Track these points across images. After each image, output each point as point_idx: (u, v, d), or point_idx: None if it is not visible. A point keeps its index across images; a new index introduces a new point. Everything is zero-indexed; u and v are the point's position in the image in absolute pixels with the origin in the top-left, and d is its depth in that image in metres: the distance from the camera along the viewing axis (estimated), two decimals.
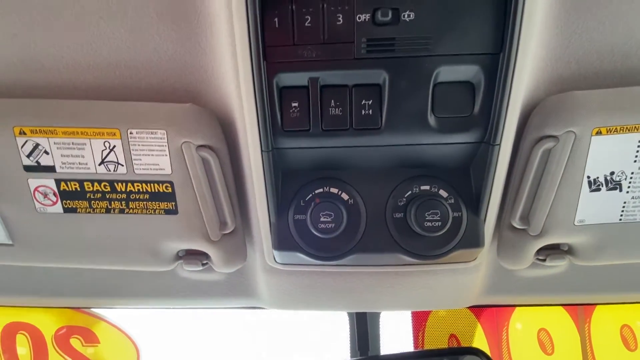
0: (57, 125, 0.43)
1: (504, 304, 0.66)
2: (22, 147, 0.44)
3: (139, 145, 0.43)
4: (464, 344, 1.38)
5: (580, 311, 1.36)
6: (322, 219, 0.43)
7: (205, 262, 0.53)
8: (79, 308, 1.44)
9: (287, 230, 0.46)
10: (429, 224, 0.43)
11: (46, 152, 0.44)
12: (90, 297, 0.65)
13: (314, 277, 0.55)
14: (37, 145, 0.44)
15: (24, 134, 0.43)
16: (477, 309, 1.38)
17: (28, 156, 0.44)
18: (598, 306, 1.36)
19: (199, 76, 0.43)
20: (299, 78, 0.39)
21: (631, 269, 0.56)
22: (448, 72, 0.38)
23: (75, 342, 1.43)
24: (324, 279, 0.55)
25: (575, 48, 0.40)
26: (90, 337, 1.43)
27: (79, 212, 0.47)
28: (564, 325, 1.37)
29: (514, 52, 0.36)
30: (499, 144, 0.41)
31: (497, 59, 0.37)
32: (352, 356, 1.01)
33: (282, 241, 0.46)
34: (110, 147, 0.44)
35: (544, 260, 0.50)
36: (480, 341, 1.40)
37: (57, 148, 0.44)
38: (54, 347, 1.42)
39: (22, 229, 0.49)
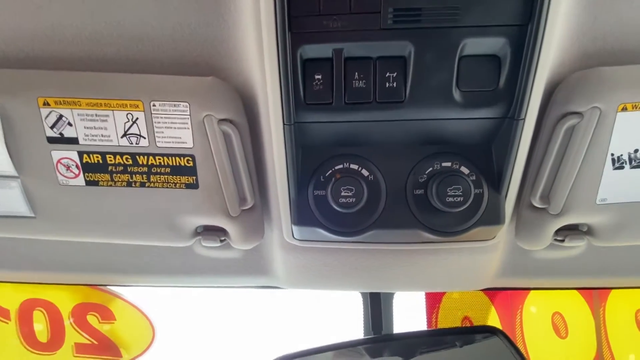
0: (81, 97, 0.43)
1: (519, 286, 0.65)
2: (45, 118, 0.43)
3: (161, 117, 0.43)
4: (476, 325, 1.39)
5: (595, 295, 1.37)
6: (342, 194, 0.43)
7: (223, 238, 0.53)
8: (95, 285, 1.45)
9: (307, 206, 0.46)
10: (450, 199, 0.42)
11: (69, 124, 0.44)
12: (107, 274, 0.65)
13: (331, 254, 0.54)
14: (60, 117, 0.43)
15: (48, 104, 0.43)
16: (492, 292, 1.38)
17: (52, 127, 0.44)
18: (613, 290, 1.36)
19: (222, 50, 0.43)
20: (323, 50, 0.38)
21: None
22: (474, 45, 0.38)
23: (92, 319, 1.44)
24: (341, 257, 0.55)
25: (602, 23, 0.39)
26: (106, 314, 1.44)
27: (100, 185, 0.47)
28: (579, 309, 1.37)
29: (543, 23, 0.35)
30: (523, 119, 0.40)
31: (524, 31, 0.36)
32: (365, 335, 1.01)
33: (302, 216, 0.46)
34: (133, 120, 0.43)
35: (563, 240, 0.50)
36: (494, 324, 1.40)
37: (81, 120, 0.44)
38: (70, 323, 1.44)
39: (44, 202, 0.49)
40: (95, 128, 0.44)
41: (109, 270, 0.64)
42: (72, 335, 1.43)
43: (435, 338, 0.86)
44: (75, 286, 1.44)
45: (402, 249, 0.52)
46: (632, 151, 0.42)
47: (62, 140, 0.45)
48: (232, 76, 0.44)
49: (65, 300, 1.44)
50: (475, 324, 1.39)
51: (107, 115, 0.43)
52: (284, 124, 0.42)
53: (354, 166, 0.45)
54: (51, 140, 0.45)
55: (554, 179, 0.45)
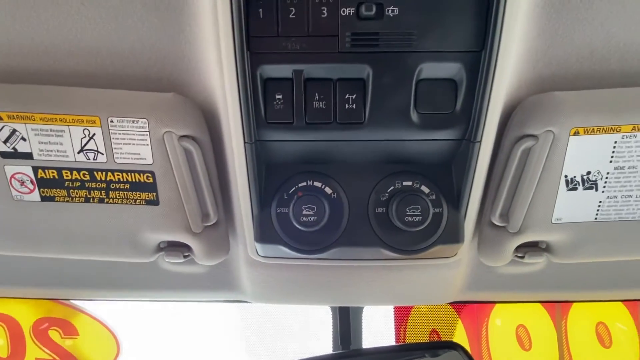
0: (35, 111, 0.42)
1: (484, 300, 0.67)
2: None
3: (119, 133, 0.42)
4: (444, 339, 1.41)
5: (558, 308, 1.40)
6: (304, 212, 0.43)
7: (187, 254, 0.52)
8: (58, 299, 1.41)
9: (269, 223, 0.46)
10: (409, 219, 0.43)
11: (23, 139, 0.42)
12: (70, 288, 0.63)
13: (297, 270, 0.55)
14: (14, 131, 0.42)
15: (0, 119, 0.42)
16: (458, 305, 1.40)
17: (5, 142, 0.43)
18: (575, 304, 1.39)
19: (183, 66, 0.42)
20: (283, 70, 0.39)
21: (607, 267, 0.57)
22: (431, 69, 0.38)
23: (54, 334, 1.40)
24: (307, 273, 0.55)
25: (556, 49, 0.41)
26: (69, 329, 1.41)
27: (57, 200, 0.46)
28: (542, 321, 1.40)
29: (495, 51, 0.36)
30: (480, 142, 0.41)
31: (479, 57, 0.37)
32: (334, 349, 1.02)
33: (265, 234, 0.46)
34: (90, 135, 0.42)
35: (523, 257, 0.51)
36: (460, 336, 1.42)
37: (35, 134, 0.42)
38: (32, 338, 1.40)
39: None
40: (50, 143, 0.43)
41: (72, 285, 0.63)
42: (33, 351, 1.39)
43: (400, 353, 0.87)
44: (37, 300, 1.40)
45: (366, 265, 0.52)
46: (584, 173, 0.43)
47: (15, 155, 0.43)
48: (194, 92, 0.44)
49: (26, 315, 1.40)
50: (443, 336, 1.41)
51: (62, 131, 0.42)
52: (244, 142, 0.42)
53: (317, 183, 0.45)
54: (4, 155, 0.43)
55: (512, 198, 0.45)
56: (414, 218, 0.43)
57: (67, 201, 0.46)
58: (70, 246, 0.50)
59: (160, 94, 0.42)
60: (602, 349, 1.39)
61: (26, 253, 0.52)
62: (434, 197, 0.45)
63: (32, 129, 0.42)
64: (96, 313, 1.42)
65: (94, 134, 0.42)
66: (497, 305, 1.41)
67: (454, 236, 0.45)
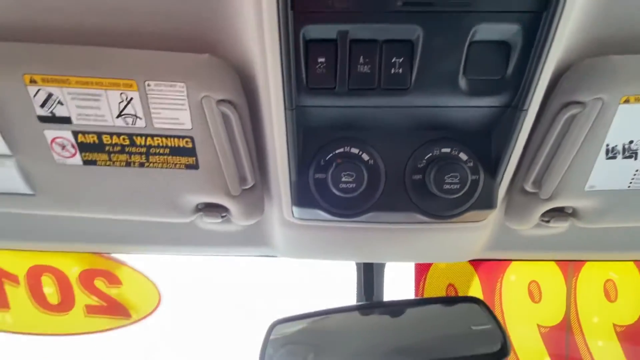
0: (70, 74, 0.40)
1: (503, 258, 0.70)
2: (34, 96, 0.41)
3: (157, 98, 0.41)
4: (460, 293, 1.51)
5: (571, 266, 1.48)
6: (342, 179, 0.43)
7: (224, 214, 0.54)
8: (99, 253, 1.50)
9: (307, 188, 0.46)
10: (447, 186, 0.43)
11: (60, 103, 0.42)
12: (111, 243, 0.67)
13: (328, 230, 0.56)
14: (50, 95, 0.41)
15: (35, 82, 0.40)
16: (476, 262, 1.49)
17: (42, 106, 0.42)
18: (587, 263, 1.47)
19: (218, 24, 0.40)
20: (327, 31, 0.36)
21: (624, 230, 0.58)
22: (485, 31, 0.36)
23: (99, 284, 1.51)
24: (337, 233, 0.57)
25: (616, 10, 0.38)
26: (113, 279, 1.51)
27: (99, 164, 0.47)
28: (554, 278, 1.49)
29: (559, 11, 0.33)
30: (527, 110, 0.39)
31: (539, 18, 0.34)
32: (358, 301, 1.08)
33: (302, 198, 0.47)
34: (128, 100, 0.41)
35: (548, 221, 0.52)
36: (476, 290, 1.52)
37: (72, 99, 0.41)
38: (79, 287, 1.51)
39: (43, 180, 0.49)
40: (88, 107, 0.42)
41: (113, 240, 0.66)
42: (82, 298, 1.51)
43: (422, 305, 0.93)
44: (81, 253, 1.49)
45: (396, 227, 0.55)
46: (627, 142, 0.43)
47: (54, 119, 0.43)
48: (230, 54, 0.42)
49: (71, 267, 1.50)
50: (459, 290, 1.51)
51: (99, 95, 0.41)
52: (285, 109, 0.40)
53: (354, 150, 0.45)
54: (43, 119, 0.43)
55: (548, 165, 0.46)
56: (451, 185, 0.43)
57: (109, 165, 0.47)
58: (112, 208, 0.52)
59: (196, 55, 0.40)
60: (607, 303, 1.50)
61: (71, 213, 0.54)
62: (471, 164, 0.44)
63: (69, 93, 0.41)
64: (137, 265, 1.52)
65: (132, 99, 0.41)
66: (513, 262, 1.49)
67: (487, 202, 0.46)
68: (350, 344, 0.83)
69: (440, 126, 0.45)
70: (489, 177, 0.45)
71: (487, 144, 0.45)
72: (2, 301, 1.48)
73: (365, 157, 0.45)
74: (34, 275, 1.49)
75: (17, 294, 1.49)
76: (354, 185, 0.44)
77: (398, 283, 1.57)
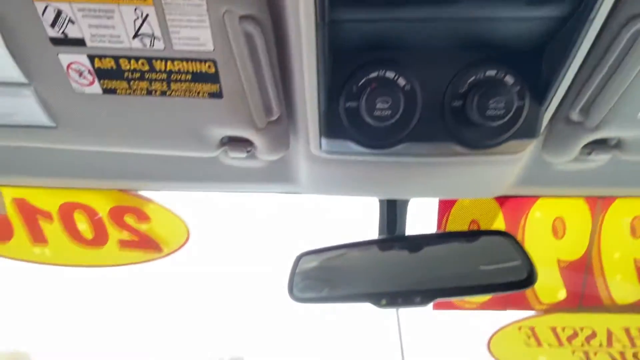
0: None
1: (534, 194, 0.68)
2: (42, 14, 0.38)
3: (174, 14, 0.38)
4: (483, 229, 1.52)
5: (600, 203, 1.46)
6: (377, 106, 0.40)
7: (249, 149, 0.53)
8: (127, 190, 1.53)
9: (337, 118, 0.44)
10: (490, 112, 0.40)
11: (71, 21, 0.39)
12: (138, 180, 0.68)
13: (355, 165, 0.54)
14: (59, 12, 0.38)
15: None
16: (502, 199, 1.47)
17: (52, 26, 0.39)
18: (618, 199, 1.44)
19: None
20: None
21: None
22: None
23: (129, 220, 1.57)
24: (364, 167, 0.55)
25: None
26: (142, 216, 1.56)
27: (119, 93, 0.45)
28: (580, 214, 1.48)
29: None
30: (592, 20, 0.35)
31: None
32: (379, 235, 1.09)
33: (332, 129, 0.45)
34: (143, 16, 0.38)
35: (590, 153, 0.49)
36: (499, 227, 1.53)
37: (83, 16, 0.39)
38: (110, 223, 1.57)
39: (63, 111, 0.48)
40: (102, 27, 0.40)
41: (139, 177, 0.67)
42: (114, 234, 1.58)
43: (448, 238, 0.94)
44: (109, 191, 1.53)
45: (425, 161, 0.52)
46: None
47: (67, 41, 0.41)
48: None
49: (101, 204, 1.54)
50: (482, 226, 1.52)
51: (112, 11, 0.38)
52: (315, 22, 0.36)
53: (390, 74, 0.42)
54: (55, 41, 0.41)
55: (600, 90, 0.42)
56: (495, 112, 0.40)
57: (129, 94, 0.45)
58: (135, 141, 0.51)
59: None
60: (631, 240, 1.50)
61: (94, 147, 0.53)
62: (518, 88, 0.41)
63: (79, 9, 0.38)
64: (164, 202, 1.56)
65: (147, 15, 0.38)
66: (541, 199, 1.47)
67: (530, 131, 0.43)
68: (373, 275, 0.85)
69: (486, 44, 0.40)
70: (536, 103, 0.42)
71: (536, 65, 0.41)
72: (40, 237, 1.55)
73: (401, 81, 0.42)
74: (66, 212, 1.55)
75: (53, 230, 1.56)
76: (389, 113, 0.41)
77: (420, 220, 1.59)
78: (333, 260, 0.85)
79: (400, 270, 0.86)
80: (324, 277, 0.87)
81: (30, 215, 1.53)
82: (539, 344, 1.78)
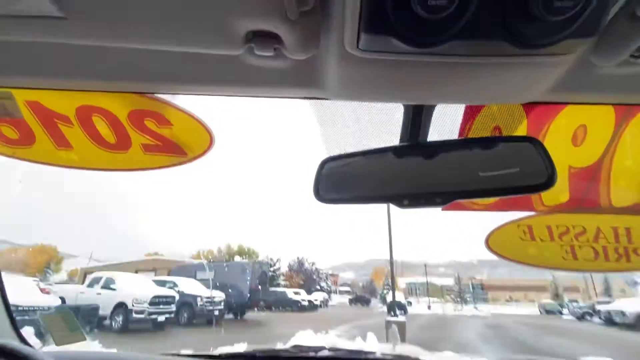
0: None
1: (567, 101, 0.67)
2: None
3: None
4: (505, 135, 1.54)
5: (628, 111, 1.45)
6: None
7: (276, 46, 0.49)
8: (145, 93, 1.48)
9: (381, 9, 0.39)
10: (558, 3, 0.36)
11: None
12: (156, 82, 0.64)
13: (389, 66, 0.51)
14: None
15: None
16: (531, 105, 1.45)
17: None
18: None
19: None
20: None
21: None
22: None
23: (150, 124, 1.55)
24: (398, 69, 0.52)
25: None
26: (162, 120, 1.54)
27: None
28: (605, 122, 1.49)
29: None
30: None
31: None
32: (401, 141, 1.11)
33: (374, 22, 0.40)
34: None
35: (638, 57, 0.47)
36: (521, 133, 1.55)
37: None
38: (131, 127, 1.56)
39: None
40: None
41: (157, 79, 0.64)
42: (137, 138, 1.58)
43: (473, 144, 0.95)
44: (126, 94, 1.47)
45: (472, 61, 0.49)
46: None
47: None
48: None
49: (119, 108, 1.50)
50: (504, 132, 1.53)
51: None
52: None
53: None
54: None
55: None
56: (562, 2, 0.36)
57: None
58: (152, 34, 0.47)
59: None
60: None
61: (107, 41, 0.49)
62: None
63: None
64: (185, 106, 1.52)
65: None
66: (569, 106, 1.46)
67: (591, 29, 0.40)
68: (395, 179, 0.88)
69: None
70: None
71: None
72: (64, 141, 1.55)
73: None
74: (84, 116, 1.52)
75: (75, 135, 1.55)
76: (445, 2, 0.36)
77: (441, 125, 1.59)
78: (356, 165, 0.88)
79: (421, 174, 0.89)
80: (348, 180, 0.91)
81: (48, 119, 1.51)
82: (532, 238, 1.99)
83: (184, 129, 1.57)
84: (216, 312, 11.62)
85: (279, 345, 1.27)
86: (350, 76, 0.56)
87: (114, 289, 10.05)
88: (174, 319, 10.39)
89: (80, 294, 10.21)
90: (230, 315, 12.04)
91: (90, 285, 10.72)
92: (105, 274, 10.81)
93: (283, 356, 1.10)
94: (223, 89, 0.64)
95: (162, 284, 11.71)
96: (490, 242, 2.01)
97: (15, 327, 1.10)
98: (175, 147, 1.60)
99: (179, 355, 1.07)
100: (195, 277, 13.71)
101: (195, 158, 1.63)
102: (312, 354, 1.12)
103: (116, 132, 1.56)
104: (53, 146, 1.56)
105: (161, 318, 9.86)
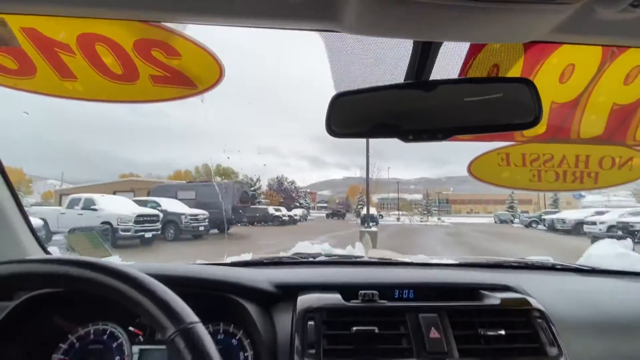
0: None
1: (566, 41, 0.69)
2: None
3: None
4: (501, 74, 1.64)
5: (612, 52, 1.56)
6: None
7: None
8: (150, 22, 1.41)
9: None
10: None
11: None
12: (161, 11, 0.60)
13: (405, 4, 0.53)
14: None
15: None
16: (530, 43, 1.53)
17: None
18: (632, 50, 1.55)
19: None
20: None
21: None
22: None
23: (157, 54, 1.50)
24: (413, 7, 0.54)
25: None
26: (170, 51, 1.50)
27: None
28: (591, 62, 1.61)
29: None
30: None
31: None
32: (406, 79, 1.20)
33: None
34: None
35: (637, 5, 0.51)
36: (516, 71, 1.65)
37: None
38: (137, 57, 1.51)
39: None
40: None
41: (164, 7, 0.60)
42: (144, 69, 1.54)
43: (470, 84, 1.07)
44: (130, 22, 1.40)
45: (474, 5, 0.53)
46: None
47: None
48: None
49: (124, 36, 1.44)
50: (502, 71, 1.62)
51: None
52: None
53: None
54: None
55: None
56: None
57: None
58: None
59: None
60: (622, 86, 1.70)
61: None
62: None
63: None
64: (195, 37, 1.47)
65: None
66: (564, 46, 1.55)
67: None
68: (401, 114, 0.99)
69: None
70: None
71: None
72: (67, 72, 1.50)
73: None
74: (86, 45, 1.45)
75: (78, 65, 1.49)
76: None
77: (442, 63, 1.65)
78: (365, 101, 0.97)
79: (424, 110, 1.00)
80: (357, 115, 1.00)
81: (47, 47, 1.42)
82: (508, 164, 2.25)
83: (193, 60, 1.54)
84: (201, 228, 12.10)
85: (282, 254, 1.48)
86: (366, 10, 0.56)
87: (95, 209, 10.06)
88: (161, 236, 10.76)
89: (61, 215, 10.20)
90: (216, 231, 12.60)
91: (70, 206, 10.63)
92: (83, 195, 10.66)
93: (286, 262, 1.25)
94: (233, 19, 0.62)
95: (143, 203, 11.72)
96: (472, 169, 2.26)
97: (43, 246, 1.20)
98: (184, 78, 1.59)
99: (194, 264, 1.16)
100: (176, 197, 13.80)
101: (205, 90, 1.63)
102: (310, 259, 1.30)
103: (122, 63, 1.52)
104: (57, 77, 1.51)
105: (148, 235, 10.16)
